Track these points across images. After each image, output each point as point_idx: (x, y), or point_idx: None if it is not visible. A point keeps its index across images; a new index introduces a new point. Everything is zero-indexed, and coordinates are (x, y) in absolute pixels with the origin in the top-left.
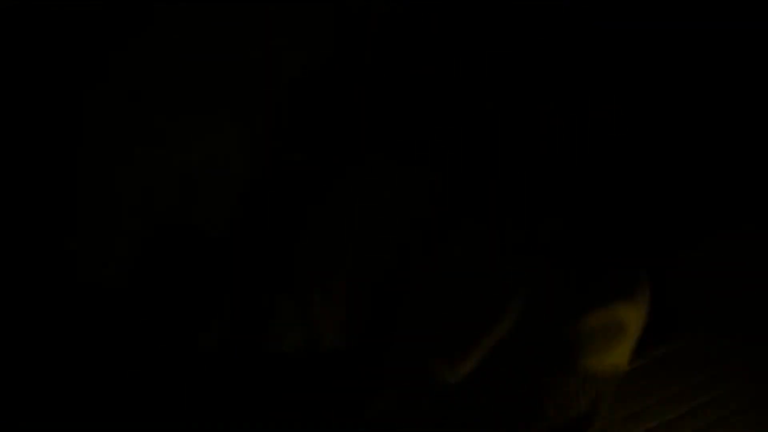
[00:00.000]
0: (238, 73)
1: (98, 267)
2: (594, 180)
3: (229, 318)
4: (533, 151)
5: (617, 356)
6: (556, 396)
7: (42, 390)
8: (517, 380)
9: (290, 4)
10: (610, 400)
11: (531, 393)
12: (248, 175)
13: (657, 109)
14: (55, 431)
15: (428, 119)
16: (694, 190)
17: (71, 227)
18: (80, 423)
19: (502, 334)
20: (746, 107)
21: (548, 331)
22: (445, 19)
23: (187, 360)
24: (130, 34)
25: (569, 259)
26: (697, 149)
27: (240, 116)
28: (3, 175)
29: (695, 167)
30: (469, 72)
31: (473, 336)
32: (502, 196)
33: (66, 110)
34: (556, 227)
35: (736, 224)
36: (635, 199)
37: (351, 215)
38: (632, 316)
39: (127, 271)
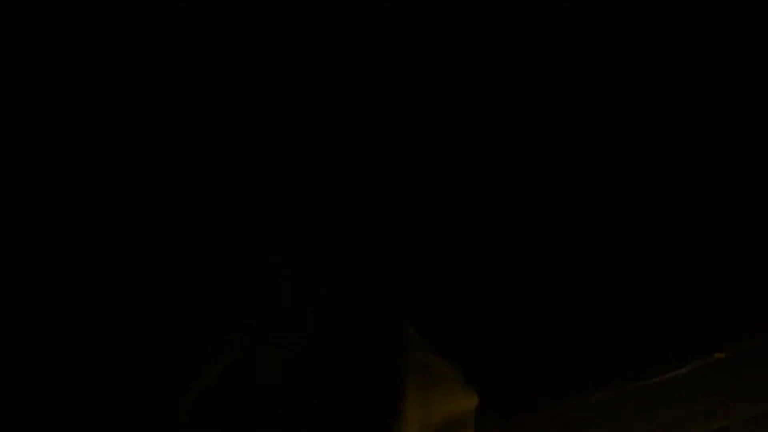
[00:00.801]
0: None
1: None
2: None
3: None
4: (533, 150)
5: None
6: None
7: None
8: None
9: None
10: None
11: None
12: None
13: (656, 109)
14: None
15: (428, 119)
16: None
17: None
18: None
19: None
20: (745, 107)
21: None
22: (445, 19)
23: None
24: None
25: None
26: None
27: None
28: None
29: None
30: (469, 72)
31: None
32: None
33: None
34: None
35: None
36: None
37: None
38: None
39: None
